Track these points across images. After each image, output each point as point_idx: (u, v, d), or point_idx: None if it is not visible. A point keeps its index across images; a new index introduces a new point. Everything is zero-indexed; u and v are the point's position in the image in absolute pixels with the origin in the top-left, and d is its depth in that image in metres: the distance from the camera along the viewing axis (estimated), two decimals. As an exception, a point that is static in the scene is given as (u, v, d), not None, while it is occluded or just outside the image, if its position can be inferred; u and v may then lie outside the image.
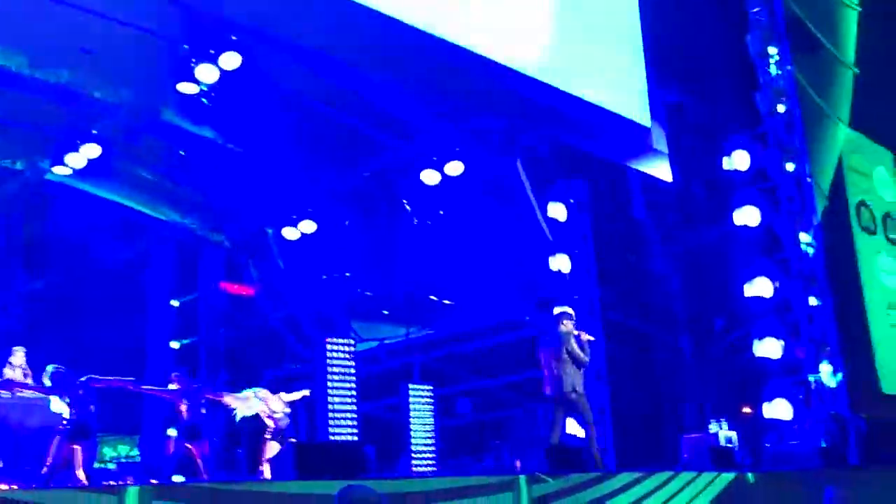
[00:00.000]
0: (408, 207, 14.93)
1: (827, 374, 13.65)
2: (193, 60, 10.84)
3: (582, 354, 9.70)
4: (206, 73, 10.91)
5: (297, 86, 12.26)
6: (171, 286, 16.35)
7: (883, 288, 15.68)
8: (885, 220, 16.39)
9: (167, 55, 11.10)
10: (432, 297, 15.83)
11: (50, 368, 8.46)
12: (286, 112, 12.63)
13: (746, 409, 14.89)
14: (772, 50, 14.82)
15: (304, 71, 11.80)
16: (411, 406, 13.04)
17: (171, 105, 12.26)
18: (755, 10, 14.89)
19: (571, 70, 11.92)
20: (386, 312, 16.63)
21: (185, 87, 11.22)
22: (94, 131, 12.50)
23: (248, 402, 9.70)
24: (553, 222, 14.11)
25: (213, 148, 13.79)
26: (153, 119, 12.76)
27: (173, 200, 15.36)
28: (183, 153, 13.87)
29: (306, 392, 10.44)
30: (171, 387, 9.71)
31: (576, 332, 9.80)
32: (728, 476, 8.96)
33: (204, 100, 11.80)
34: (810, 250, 14.12)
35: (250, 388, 9.98)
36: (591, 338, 10.10)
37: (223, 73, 10.90)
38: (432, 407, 13.41)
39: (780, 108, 14.65)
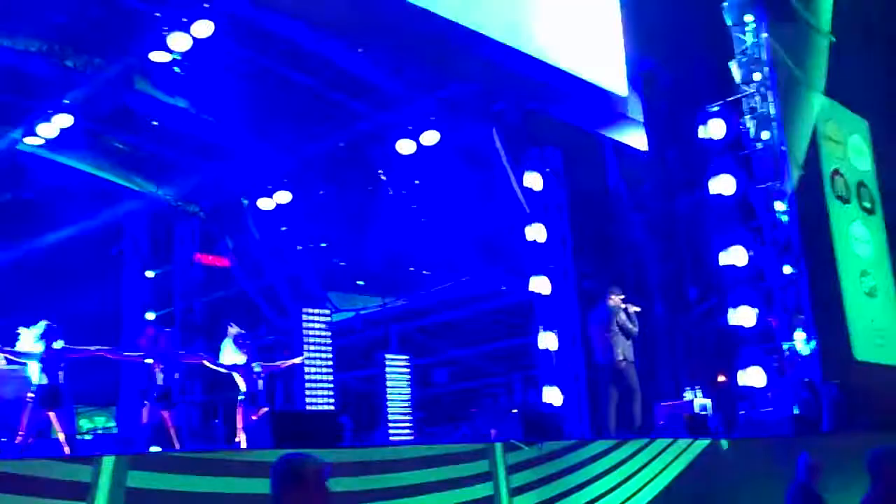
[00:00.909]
0: (383, 177, 14.88)
1: (800, 341, 13.78)
2: (165, 29, 10.70)
3: (631, 325, 10.65)
4: (179, 42, 10.77)
5: (270, 55, 12.12)
6: (146, 257, 16.26)
7: (856, 256, 15.78)
8: (858, 188, 16.47)
9: (139, 24, 10.95)
10: (409, 267, 15.83)
11: (42, 325, 8.38)
12: (259, 81, 12.51)
13: (721, 378, 15.03)
14: (748, 18, 14.80)
15: (278, 39, 11.67)
16: (388, 376, 13.07)
17: (144, 74, 12.09)
18: (731, -24, 14.86)
19: (547, 37, 11.85)
20: (362, 283, 16.64)
21: (158, 56, 11.09)
22: (66, 101, 12.32)
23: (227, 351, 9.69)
24: (529, 191, 14.10)
25: (187, 118, 13.64)
26: (126, 89, 12.60)
27: (147, 171, 15.23)
28: (156, 123, 13.70)
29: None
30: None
31: (623, 305, 10.67)
32: (702, 443, 9.05)
33: (177, 69, 11.67)
34: (784, 218, 14.19)
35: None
36: (638, 308, 10.92)
37: (196, 41, 10.77)
38: (409, 377, 13.45)
39: (756, 77, 14.66)
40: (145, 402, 9.61)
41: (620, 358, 10.53)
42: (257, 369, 9.55)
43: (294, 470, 3.50)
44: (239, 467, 5.54)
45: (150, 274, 16.31)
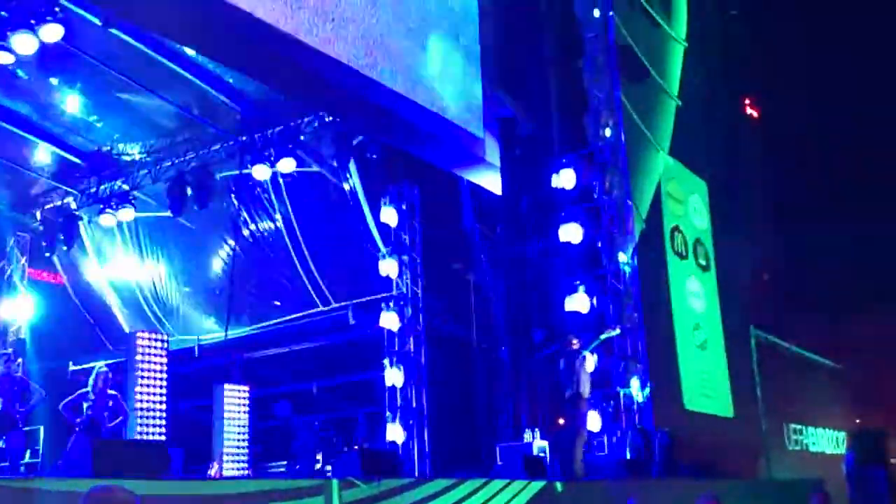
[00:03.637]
0: (235, 202, 14.54)
1: (636, 388, 14.22)
2: (10, 30, 10.13)
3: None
4: (24, 44, 10.22)
5: (123, 66, 11.70)
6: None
7: (690, 310, 16.50)
8: (695, 245, 17.28)
9: None
10: (255, 295, 15.45)
11: None
12: (108, 92, 12.03)
13: (560, 420, 15.31)
14: (602, 76, 15.38)
15: (132, 52, 11.28)
16: (225, 407, 12.64)
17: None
18: (590, 35, 15.41)
19: (407, 75, 11.93)
20: (205, 311, 16.11)
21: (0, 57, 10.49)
22: None
23: None
24: (384, 226, 14.08)
25: (27, 124, 12.96)
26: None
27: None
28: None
29: None
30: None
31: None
32: (538, 484, 9.14)
33: (20, 71, 11.09)
34: (627, 269, 14.70)
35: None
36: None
37: (42, 45, 10.25)
38: (247, 408, 13.06)
39: (607, 132, 15.20)
40: None
41: None
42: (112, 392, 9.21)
43: (98, 501, 3.28)
44: (54, 498, 5.18)
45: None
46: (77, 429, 9.28)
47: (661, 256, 15.81)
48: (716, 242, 18.06)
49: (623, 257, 14.70)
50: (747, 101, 22.25)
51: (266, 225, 14.77)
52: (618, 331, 13.18)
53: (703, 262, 17.46)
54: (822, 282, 21.72)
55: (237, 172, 14.02)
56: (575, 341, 11.49)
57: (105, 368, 10.05)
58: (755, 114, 22.56)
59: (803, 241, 21.43)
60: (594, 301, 14.35)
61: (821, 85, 21.93)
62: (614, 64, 15.36)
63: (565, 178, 14.86)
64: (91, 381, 9.65)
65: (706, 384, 16.45)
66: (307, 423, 14.51)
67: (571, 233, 14.58)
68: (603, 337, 12.41)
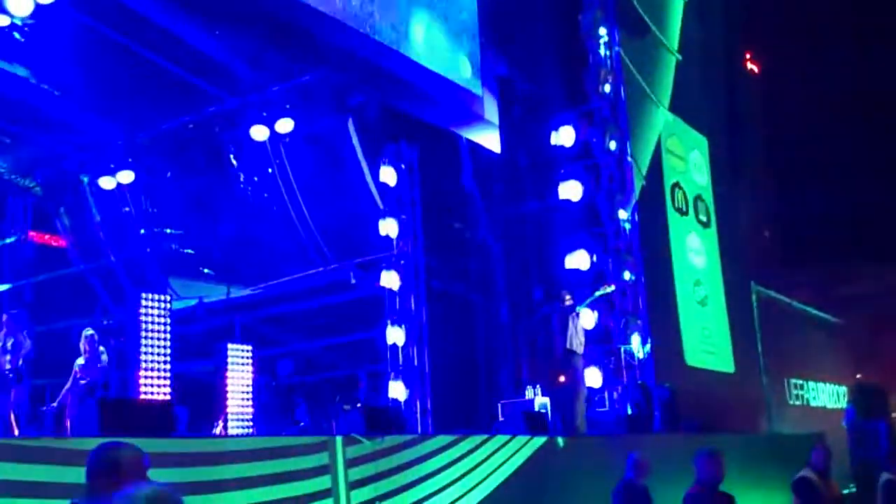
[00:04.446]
0: (234, 163, 14.51)
1: (637, 344, 14.32)
2: (0, -10, 10.04)
3: None
4: (19, 5, 10.12)
5: (120, 28, 11.60)
6: (-27, 232, 15.26)
7: (690, 267, 16.56)
8: (696, 202, 17.29)
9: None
10: (257, 256, 15.48)
11: None
12: (106, 54, 11.94)
13: (561, 377, 15.42)
14: (602, 31, 15.27)
15: (128, 12, 11.17)
16: (229, 367, 12.71)
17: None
18: (589, -10, 15.29)
19: (404, 31, 11.84)
20: (207, 270, 16.14)
21: (-5, 19, 10.40)
22: None
23: None
24: (383, 186, 14.07)
25: (26, 87, 12.87)
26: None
27: (-22, 142, 14.32)
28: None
29: None
30: None
31: None
32: (539, 440, 9.24)
33: (16, 34, 10.99)
34: (627, 226, 14.73)
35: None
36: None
37: (38, 6, 10.15)
38: (251, 368, 13.12)
39: (607, 88, 15.14)
40: None
41: None
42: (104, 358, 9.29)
43: (107, 458, 3.36)
44: (61, 455, 5.25)
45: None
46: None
47: (662, 213, 15.84)
48: (716, 198, 18.07)
49: (623, 214, 14.72)
50: (748, 56, 22.11)
51: (265, 186, 14.75)
52: (612, 287, 13.21)
53: (703, 219, 17.49)
54: (822, 237, 21.79)
55: (235, 133, 13.96)
56: (568, 297, 11.53)
57: (91, 331, 10.26)
58: (755, 68, 22.43)
59: (803, 197, 21.44)
60: (594, 258, 14.40)
61: (821, 38, 21.79)
62: (613, 19, 15.26)
63: (564, 136, 14.84)
64: (81, 346, 9.88)
65: (707, 340, 16.55)
66: (309, 382, 14.62)
67: (571, 190, 14.59)
68: (598, 294, 12.45)
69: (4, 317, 9.97)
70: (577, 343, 11.45)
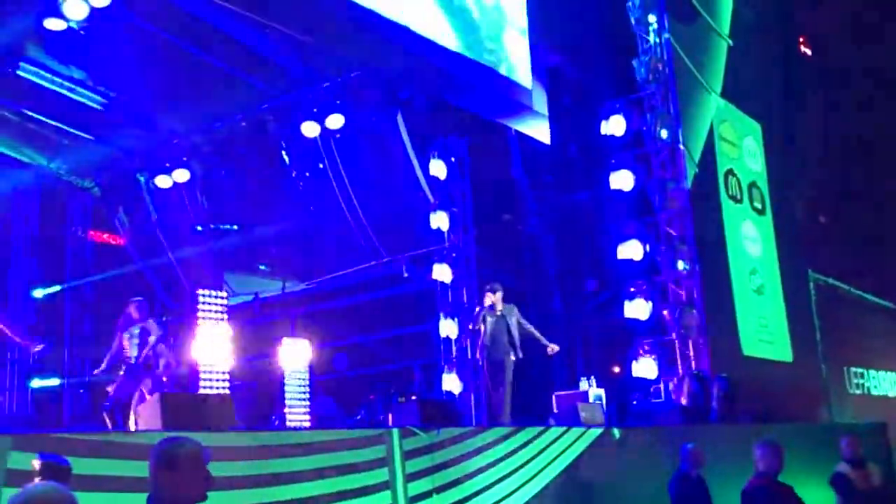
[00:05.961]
0: (287, 159, 14.66)
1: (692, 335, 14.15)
2: (60, -4, 10.27)
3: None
4: (75, 9, 10.35)
5: (172, 28, 11.78)
6: (35, 233, 15.63)
7: (746, 255, 16.31)
8: (750, 189, 17.01)
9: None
10: (311, 251, 15.65)
11: None
12: (160, 55, 12.14)
13: (615, 368, 15.36)
14: (651, 18, 15.11)
15: (180, 12, 11.35)
16: (284, 361, 12.90)
17: (37, 42, 11.59)
18: (637, -23, 15.14)
19: (454, 26, 11.85)
20: (262, 266, 16.37)
21: (52, 24, 10.64)
22: (-48, 68, 11.74)
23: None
24: (433, 179, 14.11)
25: (83, 89, 13.16)
26: (18, 56, 12.06)
27: (38, 143, 14.64)
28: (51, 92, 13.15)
29: None
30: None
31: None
32: (595, 431, 9.21)
33: (73, 36, 11.22)
34: (680, 215, 14.56)
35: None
36: None
37: (93, 9, 10.37)
38: (308, 361, 13.30)
39: (657, 76, 14.98)
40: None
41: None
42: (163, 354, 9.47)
43: (168, 453, 3.44)
44: (125, 450, 5.37)
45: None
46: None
47: (716, 201, 15.61)
48: (771, 185, 17.76)
49: (675, 203, 14.55)
50: (801, 39, 21.68)
51: (318, 181, 14.89)
52: None
53: (758, 206, 17.21)
54: (880, 222, 21.33)
55: (287, 129, 14.10)
56: None
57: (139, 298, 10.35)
58: (808, 52, 22.00)
59: (860, 182, 21.01)
60: (647, 248, 14.26)
61: (876, 19, 21.31)
62: (663, 6, 15.08)
63: (615, 125, 14.70)
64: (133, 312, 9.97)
65: (764, 329, 16.30)
66: (365, 376, 14.75)
67: (622, 180, 14.46)
68: None
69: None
70: None
